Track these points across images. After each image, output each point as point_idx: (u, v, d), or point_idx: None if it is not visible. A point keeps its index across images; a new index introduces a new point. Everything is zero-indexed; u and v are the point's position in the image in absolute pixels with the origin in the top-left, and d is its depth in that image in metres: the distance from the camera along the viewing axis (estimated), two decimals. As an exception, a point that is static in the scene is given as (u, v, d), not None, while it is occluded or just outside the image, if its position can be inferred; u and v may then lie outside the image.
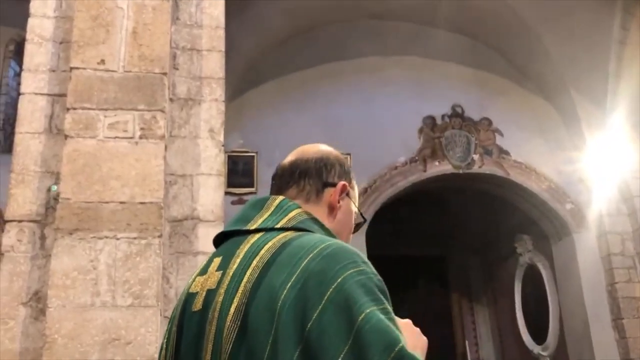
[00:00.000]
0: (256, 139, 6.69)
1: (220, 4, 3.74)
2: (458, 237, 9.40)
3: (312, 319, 0.98)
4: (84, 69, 3.17)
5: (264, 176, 6.46)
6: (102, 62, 3.20)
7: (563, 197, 7.26)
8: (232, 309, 1.08)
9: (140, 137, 3.09)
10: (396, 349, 0.94)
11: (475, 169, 7.22)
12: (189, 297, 1.21)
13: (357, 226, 1.39)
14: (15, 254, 3.01)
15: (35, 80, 3.33)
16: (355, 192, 1.39)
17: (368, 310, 0.97)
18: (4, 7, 6.00)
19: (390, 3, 7.08)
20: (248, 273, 1.11)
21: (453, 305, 9.43)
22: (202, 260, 3.19)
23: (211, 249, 3.50)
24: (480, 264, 9.71)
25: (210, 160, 3.40)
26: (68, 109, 3.09)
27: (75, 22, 3.28)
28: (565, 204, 7.24)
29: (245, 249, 1.17)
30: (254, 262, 1.12)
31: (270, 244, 1.14)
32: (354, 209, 1.36)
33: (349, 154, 6.65)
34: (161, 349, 1.26)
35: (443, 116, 7.36)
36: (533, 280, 8.15)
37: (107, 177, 2.98)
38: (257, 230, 1.20)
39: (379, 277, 1.07)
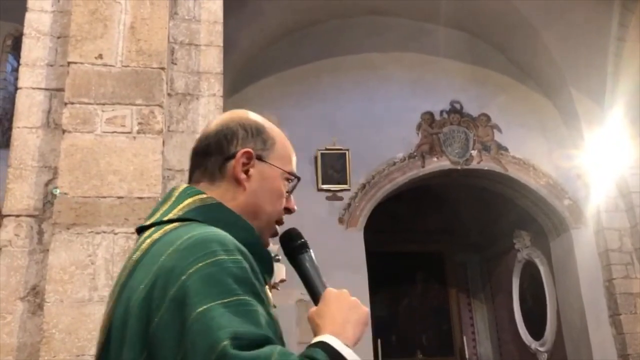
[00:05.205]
0: (254, 135, 6.66)
1: (218, -1, 3.73)
2: (456, 233, 9.41)
3: (155, 321, 0.89)
4: (81, 63, 3.16)
5: (262, 172, 6.44)
6: (100, 56, 3.19)
7: (561, 193, 7.26)
8: (105, 316, 1.01)
9: (138, 132, 3.08)
10: (219, 349, 0.82)
11: (474, 164, 7.21)
12: None
13: (293, 187, 1.20)
14: (13, 248, 3.01)
15: (32, 75, 3.32)
16: (280, 148, 1.19)
17: (203, 307, 0.86)
18: (1, 2, 5.97)
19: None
20: (122, 275, 1.04)
21: (451, 301, 9.44)
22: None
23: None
24: (479, 260, 9.72)
25: (208, 156, 3.39)
26: (66, 104, 3.09)
27: (73, 16, 3.27)
28: (563, 200, 7.24)
29: (133, 248, 1.08)
30: (129, 263, 1.04)
31: (148, 240, 1.04)
32: (277, 170, 1.17)
33: (347, 150, 6.65)
34: None
35: (442, 112, 7.35)
36: (531, 276, 8.16)
37: (105, 172, 2.98)
38: (152, 225, 1.09)
39: (246, 263, 0.94)
